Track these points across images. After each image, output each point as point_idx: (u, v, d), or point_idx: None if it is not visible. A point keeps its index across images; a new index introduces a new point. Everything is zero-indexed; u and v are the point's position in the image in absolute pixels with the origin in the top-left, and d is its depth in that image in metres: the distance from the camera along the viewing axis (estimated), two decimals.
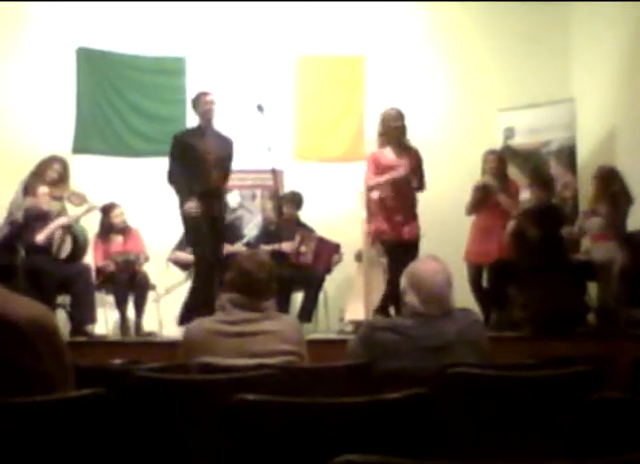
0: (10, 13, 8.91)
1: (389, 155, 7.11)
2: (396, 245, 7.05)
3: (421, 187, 7.21)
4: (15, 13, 8.96)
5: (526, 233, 7.33)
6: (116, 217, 8.03)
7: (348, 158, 8.75)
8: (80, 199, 7.75)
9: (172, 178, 7.03)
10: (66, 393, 2.09)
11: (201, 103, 7.10)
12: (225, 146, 7.13)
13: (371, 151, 7.31)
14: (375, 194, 7.10)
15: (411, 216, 7.12)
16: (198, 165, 6.94)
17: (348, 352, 3.91)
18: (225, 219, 7.34)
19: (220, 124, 7.26)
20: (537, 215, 7.41)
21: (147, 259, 7.99)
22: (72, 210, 7.82)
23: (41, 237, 7.32)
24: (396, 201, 7.06)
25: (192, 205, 6.86)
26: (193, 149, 6.98)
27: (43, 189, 7.43)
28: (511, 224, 7.45)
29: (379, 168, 7.11)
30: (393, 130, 7.10)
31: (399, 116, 7.14)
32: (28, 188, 7.45)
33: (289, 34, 9.25)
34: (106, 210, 8.01)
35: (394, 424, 2.32)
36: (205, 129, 7.09)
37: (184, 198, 6.96)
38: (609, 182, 7.36)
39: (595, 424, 2.18)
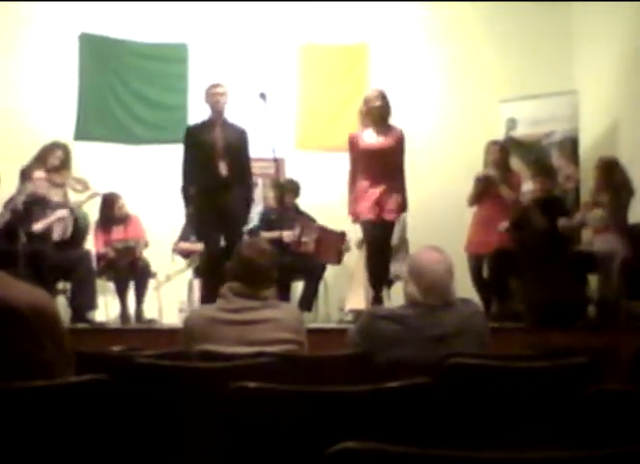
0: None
1: (367, 136, 7.05)
2: (375, 226, 7.00)
3: (397, 169, 7.05)
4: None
5: (531, 222, 7.32)
6: (118, 210, 8.02)
7: None
8: (82, 185, 7.76)
9: (183, 184, 6.99)
10: (66, 379, 2.10)
11: (209, 95, 7.04)
12: (236, 137, 7.03)
13: (350, 133, 7.19)
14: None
15: (389, 193, 6.99)
16: (205, 157, 6.89)
17: (348, 341, 3.92)
18: (246, 212, 7.14)
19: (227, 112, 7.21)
20: (539, 206, 7.41)
21: (147, 245, 7.99)
22: (74, 197, 7.82)
23: (39, 227, 7.32)
24: (376, 179, 6.99)
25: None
26: (201, 141, 6.94)
27: (38, 174, 7.42)
28: (512, 215, 7.46)
29: (356, 151, 7.06)
30: (373, 110, 7.06)
31: (380, 96, 7.10)
32: (25, 174, 7.43)
33: (292, 22, 9.23)
34: (108, 202, 7.99)
35: (394, 413, 2.32)
36: (215, 121, 7.02)
37: (185, 200, 6.97)
38: (610, 172, 7.35)
39: (593, 416, 2.18)
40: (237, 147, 7.00)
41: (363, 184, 6.97)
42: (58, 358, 2.13)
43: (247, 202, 7.13)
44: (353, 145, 7.05)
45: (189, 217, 7.31)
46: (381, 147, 6.95)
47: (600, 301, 7.17)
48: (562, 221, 7.37)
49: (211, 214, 6.86)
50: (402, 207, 7.08)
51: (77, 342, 2.50)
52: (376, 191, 6.93)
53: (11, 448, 1.94)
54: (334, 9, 9.32)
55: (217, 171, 6.87)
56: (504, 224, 7.48)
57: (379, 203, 6.93)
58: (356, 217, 7.10)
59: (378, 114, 7.01)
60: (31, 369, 2.05)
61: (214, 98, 7.01)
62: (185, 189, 6.96)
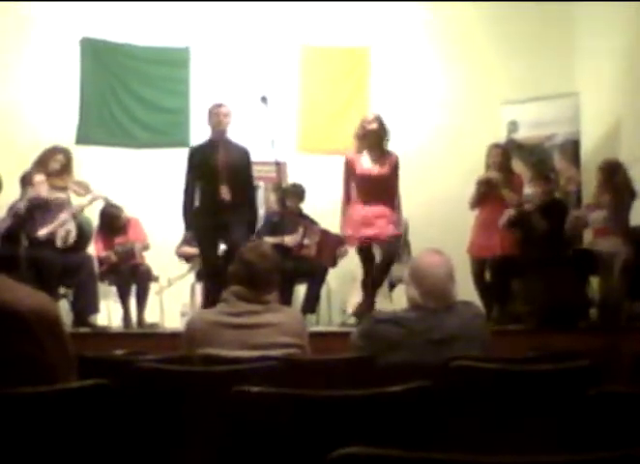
0: (14, 3, 8.90)
1: (364, 161, 7.02)
2: (370, 249, 7.03)
3: (393, 194, 7.05)
4: (20, 3, 8.95)
5: (533, 225, 7.33)
6: (119, 222, 7.99)
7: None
8: (84, 188, 7.76)
9: (184, 205, 7.00)
10: (68, 384, 2.10)
11: (213, 115, 6.98)
12: (238, 156, 6.98)
13: (347, 155, 7.14)
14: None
15: (385, 217, 6.98)
16: (207, 179, 6.88)
17: (350, 345, 3.92)
18: (239, 234, 6.97)
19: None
20: (541, 209, 7.42)
21: (147, 247, 7.99)
22: (77, 200, 7.82)
23: (43, 232, 7.31)
24: (371, 204, 6.98)
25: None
26: (204, 162, 6.90)
27: (39, 177, 7.40)
28: (510, 213, 7.46)
29: (352, 174, 7.06)
30: (369, 133, 7.02)
31: (375, 119, 7.07)
32: (26, 179, 7.42)
33: (294, 25, 9.24)
34: (110, 214, 7.94)
35: (396, 417, 2.32)
36: (217, 142, 6.97)
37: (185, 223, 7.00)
38: (612, 174, 7.36)
39: (596, 418, 2.18)
40: (240, 168, 6.96)
41: (358, 208, 6.97)
42: (60, 362, 2.13)
43: (251, 225, 7.11)
44: (349, 168, 7.03)
45: (190, 239, 7.35)
46: (377, 175, 6.95)
47: (602, 302, 7.16)
48: (568, 223, 7.39)
49: (210, 233, 6.88)
50: (397, 230, 7.09)
51: (79, 346, 2.50)
52: (371, 216, 6.94)
53: (13, 453, 1.95)
54: (336, 11, 9.33)
55: (218, 193, 6.82)
56: (503, 219, 7.46)
57: (374, 227, 6.93)
58: (351, 242, 7.11)
59: (374, 137, 6.98)
60: (33, 373, 2.05)
61: (217, 117, 6.95)
62: (185, 213, 6.97)
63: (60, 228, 7.40)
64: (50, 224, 7.37)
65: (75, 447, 2.04)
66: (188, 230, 7.08)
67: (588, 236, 7.69)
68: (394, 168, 7.03)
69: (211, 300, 6.61)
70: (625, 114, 8.63)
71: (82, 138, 8.69)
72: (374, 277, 7.12)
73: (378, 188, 6.96)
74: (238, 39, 9.18)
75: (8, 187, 7.49)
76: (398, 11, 9.44)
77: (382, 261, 7.06)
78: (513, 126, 9.11)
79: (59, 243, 7.37)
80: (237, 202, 6.91)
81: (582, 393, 2.21)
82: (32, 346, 2.04)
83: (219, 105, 7.03)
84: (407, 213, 7.61)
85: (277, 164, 7.25)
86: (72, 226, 7.47)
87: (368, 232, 6.94)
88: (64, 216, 7.46)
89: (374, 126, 6.99)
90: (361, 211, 6.96)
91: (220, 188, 6.81)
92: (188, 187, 6.98)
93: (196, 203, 7.01)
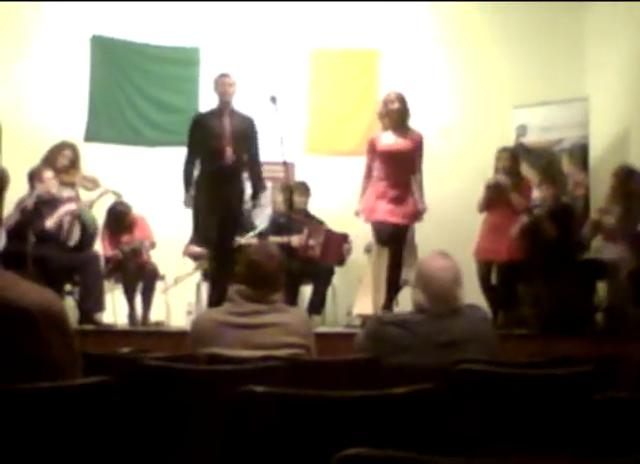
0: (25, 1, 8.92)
1: (386, 138, 7.05)
2: (385, 228, 7.01)
3: (415, 172, 7.07)
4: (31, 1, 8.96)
5: (542, 230, 7.31)
6: (127, 221, 8.01)
7: (360, 151, 8.72)
8: (93, 183, 7.78)
9: (185, 168, 7.17)
10: (73, 381, 2.10)
11: (219, 85, 7.19)
12: (243, 124, 7.15)
13: (370, 137, 7.26)
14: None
15: (406, 197, 7.02)
16: (213, 144, 7.01)
17: (356, 346, 3.92)
18: (242, 205, 7.26)
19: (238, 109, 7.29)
20: (550, 214, 7.41)
21: (153, 245, 8.01)
22: (86, 195, 7.84)
23: (50, 223, 7.32)
24: (393, 181, 7.00)
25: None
26: (208, 128, 7.08)
27: (48, 174, 7.44)
28: (523, 221, 7.44)
29: (375, 152, 7.07)
30: (392, 113, 7.06)
31: (397, 98, 7.10)
32: (34, 175, 7.43)
33: (304, 26, 9.24)
34: (118, 213, 7.96)
35: (401, 419, 2.32)
36: (222, 109, 7.15)
37: (186, 183, 7.14)
38: (626, 180, 7.35)
39: (602, 424, 2.17)
40: (245, 135, 7.13)
41: (380, 185, 6.97)
42: (66, 359, 2.12)
43: (256, 191, 7.26)
44: (372, 147, 7.07)
45: (189, 201, 7.38)
46: (399, 150, 6.96)
47: (608, 308, 7.16)
48: (585, 228, 7.41)
49: (210, 202, 6.98)
50: (417, 212, 7.07)
51: (85, 344, 2.50)
52: (392, 194, 6.93)
53: (17, 449, 1.95)
54: (346, 13, 9.33)
55: (223, 158, 6.98)
56: (516, 229, 7.45)
57: (394, 206, 6.93)
58: (367, 216, 7.09)
59: (397, 117, 7.02)
60: (38, 370, 2.05)
61: (222, 87, 7.16)
62: (187, 172, 7.15)
63: (65, 218, 7.40)
64: (56, 214, 7.37)
65: (79, 443, 2.04)
66: (187, 192, 7.15)
67: (595, 241, 7.67)
68: (417, 146, 7.04)
69: (218, 291, 6.64)
70: (634, 119, 8.61)
71: (91, 136, 8.70)
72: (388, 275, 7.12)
73: (399, 165, 6.95)
74: (248, 39, 9.18)
75: (16, 183, 7.46)
76: (408, 14, 9.43)
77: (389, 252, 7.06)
78: (522, 129, 9.09)
79: (63, 236, 7.37)
80: (240, 168, 7.12)
81: (587, 399, 2.21)
82: (37, 343, 2.04)
83: (225, 75, 7.23)
84: None
85: (285, 165, 7.27)
86: (76, 228, 7.48)
87: (382, 216, 6.93)
88: (69, 205, 7.46)
89: (396, 105, 7.03)
90: (382, 193, 6.95)
91: (225, 151, 6.96)
92: (190, 150, 7.19)
93: (196, 172, 7.20)
